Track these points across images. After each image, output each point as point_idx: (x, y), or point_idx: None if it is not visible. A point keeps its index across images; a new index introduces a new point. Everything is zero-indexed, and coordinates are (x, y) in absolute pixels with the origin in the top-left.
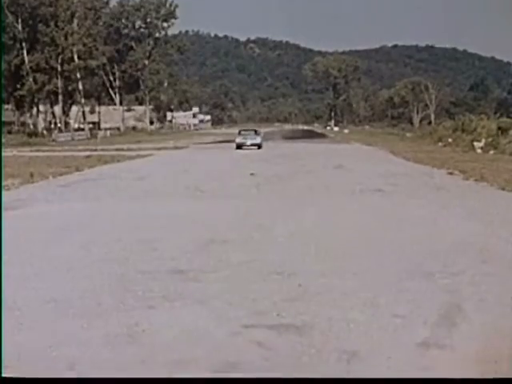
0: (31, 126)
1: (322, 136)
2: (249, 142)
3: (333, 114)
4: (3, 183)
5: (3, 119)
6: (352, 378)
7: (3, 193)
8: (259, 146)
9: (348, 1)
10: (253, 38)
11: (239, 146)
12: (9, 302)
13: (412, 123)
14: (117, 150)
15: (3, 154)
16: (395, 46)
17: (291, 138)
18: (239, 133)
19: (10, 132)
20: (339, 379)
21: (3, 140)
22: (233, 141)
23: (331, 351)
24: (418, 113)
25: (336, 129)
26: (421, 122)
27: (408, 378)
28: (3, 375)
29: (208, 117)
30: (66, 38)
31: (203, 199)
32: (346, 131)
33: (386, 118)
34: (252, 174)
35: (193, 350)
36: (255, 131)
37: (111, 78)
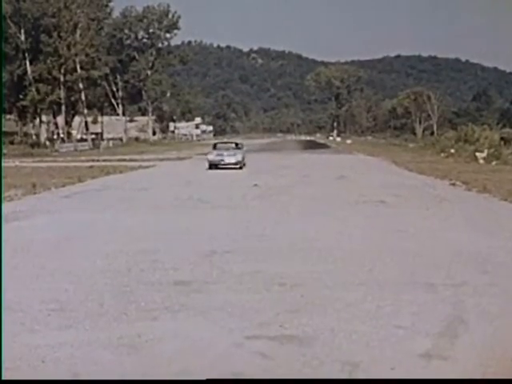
0: (34, 137)
1: (324, 146)
2: (226, 160)
3: (335, 124)
4: (3, 195)
5: (2, 129)
6: (352, 379)
7: (3, 204)
8: (240, 166)
9: (350, 11)
10: (255, 48)
11: (213, 165)
12: (14, 312)
13: (415, 134)
14: (119, 160)
15: (3, 164)
16: (398, 57)
17: (293, 149)
18: (214, 146)
19: (12, 142)
20: (339, 380)
21: (5, 151)
22: None
23: (334, 362)
24: (420, 123)
25: (338, 139)
26: (423, 132)
27: (408, 379)
28: (3, 378)
29: (210, 127)
30: (68, 49)
31: (206, 210)
32: (348, 141)
33: (389, 128)
34: (255, 185)
35: (195, 361)
36: (236, 145)
37: (114, 89)
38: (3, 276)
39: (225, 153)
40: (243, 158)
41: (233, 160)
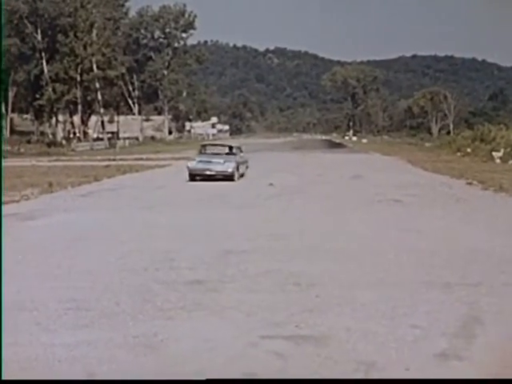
0: (50, 136)
1: (340, 146)
2: (212, 169)
3: (351, 123)
4: (3, 195)
5: (2, 130)
6: (352, 379)
7: None
8: (231, 177)
9: (367, 11)
10: (271, 47)
11: (195, 175)
12: (31, 311)
13: (431, 133)
14: (136, 159)
15: (3, 164)
16: (414, 56)
17: (309, 148)
18: (201, 150)
19: (29, 142)
20: (339, 380)
21: (22, 150)
22: (249, 151)
23: (349, 362)
24: (436, 123)
25: (354, 139)
26: (439, 131)
27: (408, 379)
28: (3, 378)
29: (226, 127)
30: (85, 48)
31: (222, 209)
32: (364, 141)
33: (405, 127)
34: (271, 185)
35: (211, 361)
36: (230, 149)
37: (130, 88)
38: (18, 275)
39: (212, 159)
40: (237, 167)
41: (220, 168)
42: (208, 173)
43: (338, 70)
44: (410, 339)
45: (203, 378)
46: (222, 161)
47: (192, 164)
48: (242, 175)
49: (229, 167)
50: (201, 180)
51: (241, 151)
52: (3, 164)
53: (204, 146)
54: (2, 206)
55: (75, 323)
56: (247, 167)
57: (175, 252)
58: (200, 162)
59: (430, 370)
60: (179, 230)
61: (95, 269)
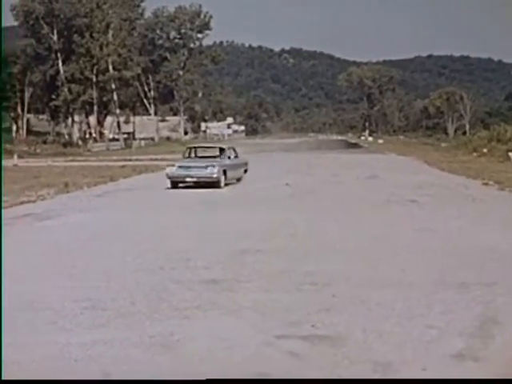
0: (66, 136)
1: (355, 146)
2: (194, 175)
3: (367, 124)
4: (3, 195)
5: (2, 131)
6: (352, 379)
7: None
8: (217, 183)
9: (382, 11)
10: (287, 48)
11: (177, 183)
12: (47, 311)
13: (447, 133)
14: (151, 160)
15: (3, 164)
16: (430, 57)
17: (325, 148)
18: (186, 154)
19: (45, 142)
20: (339, 380)
21: (38, 150)
22: (265, 150)
23: (365, 362)
24: (452, 123)
25: (370, 139)
26: (455, 132)
27: (408, 379)
28: (3, 378)
29: (242, 127)
30: (101, 49)
31: (237, 208)
32: (380, 141)
33: (421, 128)
34: (287, 185)
35: (226, 361)
36: (220, 150)
37: (146, 89)
38: (34, 275)
39: (193, 164)
40: (224, 172)
41: (202, 174)
42: (189, 179)
43: (354, 70)
44: (427, 339)
45: (219, 377)
46: (203, 165)
47: (171, 170)
48: (238, 179)
49: (212, 172)
50: (184, 188)
51: (234, 153)
52: (3, 164)
53: (190, 148)
54: (2, 206)
55: (91, 323)
56: (246, 171)
57: (191, 251)
58: (180, 167)
59: (446, 370)
60: (195, 229)
61: (111, 268)
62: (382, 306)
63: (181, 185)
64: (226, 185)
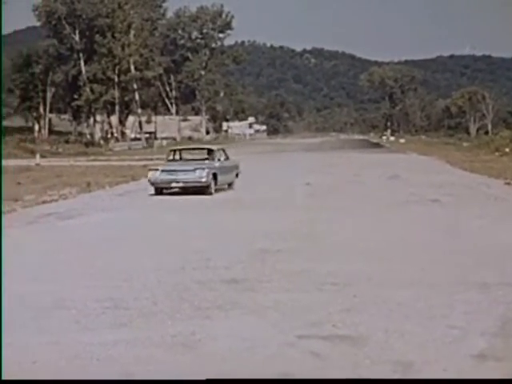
0: (88, 136)
1: (377, 146)
2: (180, 180)
3: (389, 123)
4: (3, 195)
5: (2, 131)
6: (352, 379)
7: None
8: (206, 188)
9: (404, 11)
10: (309, 48)
11: (161, 189)
12: (70, 310)
13: (469, 133)
14: None
15: (3, 164)
16: (452, 56)
17: (346, 148)
18: (170, 156)
19: (67, 142)
20: (340, 380)
21: (60, 150)
22: (286, 150)
23: (386, 362)
24: (474, 122)
25: (392, 138)
26: (478, 131)
27: (408, 379)
28: (3, 378)
29: (264, 127)
30: (122, 49)
31: (256, 208)
32: (401, 141)
33: (443, 127)
34: (308, 184)
35: (248, 360)
36: (209, 152)
37: (167, 89)
38: (57, 274)
39: (179, 167)
40: (215, 175)
41: (190, 178)
42: (174, 184)
43: (376, 70)
44: (448, 340)
45: (239, 377)
46: (191, 168)
47: (154, 175)
48: (229, 185)
49: (201, 176)
50: (168, 194)
51: (225, 155)
52: (3, 164)
53: (173, 151)
54: (3, 206)
55: (113, 322)
56: (237, 174)
57: (211, 251)
58: (164, 171)
59: (467, 370)
60: (216, 229)
61: (132, 268)
62: (403, 306)
63: (165, 191)
64: (216, 191)
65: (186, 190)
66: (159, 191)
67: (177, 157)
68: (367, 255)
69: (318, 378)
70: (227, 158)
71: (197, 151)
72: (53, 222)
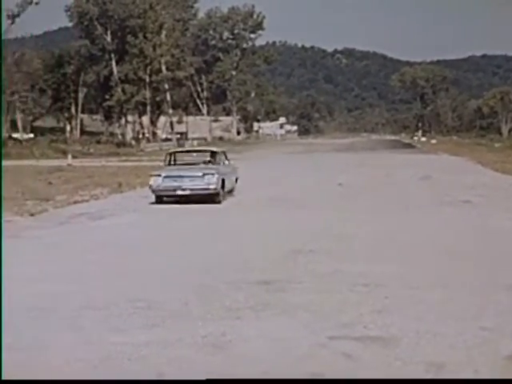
0: (120, 136)
1: (408, 146)
2: (187, 187)
3: (420, 124)
4: (3, 195)
5: (2, 132)
6: (352, 379)
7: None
8: (216, 196)
9: (435, 11)
10: (340, 48)
11: (163, 197)
12: (101, 310)
13: (501, 133)
14: None
15: (3, 164)
16: (484, 56)
17: (377, 149)
18: (169, 160)
19: (98, 142)
20: (340, 380)
21: (91, 150)
22: (318, 150)
23: (418, 363)
24: (506, 123)
25: (423, 139)
26: (510, 132)
27: (409, 379)
28: (3, 378)
29: (295, 127)
30: (154, 50)
31: (288, 209)
32: (433, 141)
33: (474, 128)
34: (340, 184)
35: (279, 361)
36: (212, 154)
37: (199, 89)
38: (89, 274)
39: (185, 172)
40: (223, 182)
41: (198, 184)
42: (180, 192)
43: (407, 70)
44: (480, 341)
45: (267, 377)
46: (200, 173)
47: (156, 181)
48: (230, 191)
49: (211, 182)
50: (172, 203)
51: (225, 158)
52: (2, 164)
53: (173, 153)
54: (3, 207)
55: (144, 323)
56: (236, 179)
57: (244, 252)
58: (167, 177)
59: (499, 371)
60: (249, 229)
61: (164, 268)
62: (434, 307)
63: (166, 199)
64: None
65: (189, 199)
66: (160, 199)
67: (175, 160)
68: (398, 256)
69: (319, 378)
70: (228, 162)
71: (196, 154)
72: (84, 223)
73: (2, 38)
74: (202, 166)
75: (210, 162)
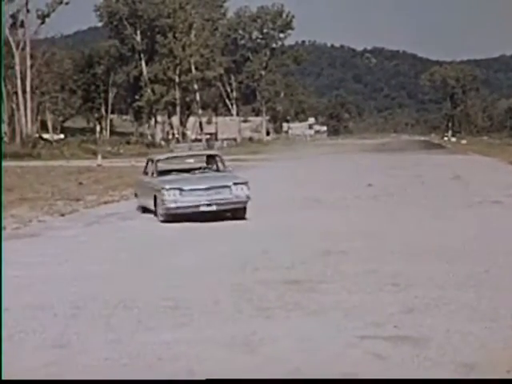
0: (149, 137)
1: (438, 147)
2: (214, 201)
3: (450, 124)
4: (3, 195)
5: (2, 132)
6: (352, 379)
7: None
8: (242, 213)
9: (466, 11)
10: (369, 47)
11: (178, 215)
12: (132, 309)
13: None
14: (233, 160)
15: (3, 165)
16: None
17: (407, 149)
18: (158, 167)
19: (128, 142)
20: (340, 380)
21: (121, 150)
22: (347, 151)
23: (448, 363)
24: None
25: (453, 139)
26: None
27: (409, 379)
28: (3, 378)
29: (324, 127)
30: (183, 49)
31: (319, 209)
32: (463, 142)
33: (505, 128)
34: (370, 185)
35: (309, 361)
36: (213, 157)
37: (228, 89)
38: (120, 274)
39: (208, 183)
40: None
41: (228, 196)
42: (205, 209)
43: (437, 69)
44: (511, 341)
45: (299, 377)
46: (229, 183)
47: (172, 196)
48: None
49: (241, 194)
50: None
51: (221, 161)
52: (2, 164)
53: (165, 159)
54: (2, 207)
55: (175, 321)
56: None
57: (273, 251)
58: (186, 191)
59: None
60: (278, 228)
61: (194, 267)
62: (465, 307)
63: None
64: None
65: (214, 216)
66: (172, 218)
67: (172, 166)
68: (429, 256)
69: (322, 379)
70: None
71: (193, 158)
72: (115, 223)
73: (3, 37)
74: (217, 173)
75: (217, 168)
